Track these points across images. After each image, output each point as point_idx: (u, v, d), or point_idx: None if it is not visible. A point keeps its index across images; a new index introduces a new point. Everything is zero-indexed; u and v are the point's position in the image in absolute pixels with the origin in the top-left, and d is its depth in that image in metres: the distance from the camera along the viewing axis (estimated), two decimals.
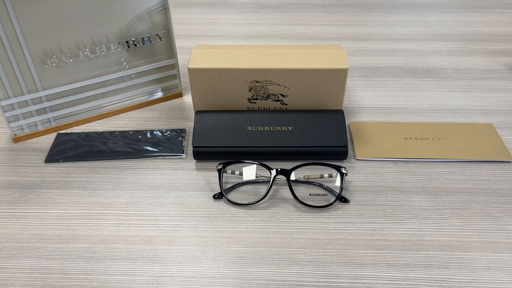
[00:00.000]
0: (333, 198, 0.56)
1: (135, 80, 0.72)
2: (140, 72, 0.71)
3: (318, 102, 0.66)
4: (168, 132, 0.68)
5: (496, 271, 0.48)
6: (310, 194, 0.57)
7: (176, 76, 0.75)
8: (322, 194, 0.57)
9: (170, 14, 0.68)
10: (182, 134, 0.67)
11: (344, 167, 0.57)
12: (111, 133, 0.68)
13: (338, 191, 0.56)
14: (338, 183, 0.56)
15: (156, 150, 0.64)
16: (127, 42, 0.68)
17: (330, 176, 0.58)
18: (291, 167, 0.57)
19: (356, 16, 1.03)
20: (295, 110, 0.65)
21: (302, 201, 0.55)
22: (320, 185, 0.59)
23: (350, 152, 0.64)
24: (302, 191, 0.58)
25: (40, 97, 0.65)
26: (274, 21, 1.02)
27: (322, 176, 0.59)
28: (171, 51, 0.72)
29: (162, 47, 0.71)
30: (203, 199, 0.57)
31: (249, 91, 0.66)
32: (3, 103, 0.63)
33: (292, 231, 0.53)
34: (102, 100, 0.71)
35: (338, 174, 0.56)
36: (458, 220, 0.54)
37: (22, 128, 0.67)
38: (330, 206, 0.55)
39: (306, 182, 0.59)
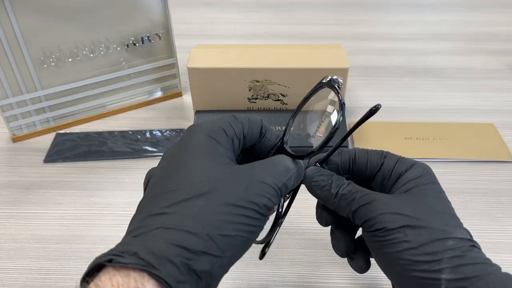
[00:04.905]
0: None
1: (134, 79, 0.71)
2: (140, 71, 0.71)
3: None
4: (168, 132, 0.67)
5: None
6: None
7: (175, 76, 0.75)
8: None
9: (170, 13, 0.68)
10: (182, 134, 0.67)
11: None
12: (110, 133, 0.67)
13: None
14: None
15: (155, 150, 0.64)
16: (126, 41, 0.67)
17: None
18: None
19: (357, 16, 1.03)
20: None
21: None
22: None
23: None
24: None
25: (39, 96, 0.65)
26: (274, 21, 1.02)
27: None
28: (170, 51, 0.71)
29: (161, 46, 0.70)
30: None
31: (249, 90, 0.65)
32: (2, 102, 0.63)
33: (293, 231, 0.53)
34: (101, 99, 0.70)
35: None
36: None
37: (21, 128, 0.66)
38: None
39: None
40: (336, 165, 0.36)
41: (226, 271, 0.29)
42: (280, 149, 0.35)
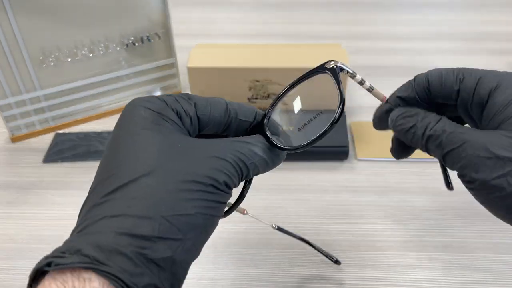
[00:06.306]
0: None
1: (134, 79, 0.71)
2: (139, 71, 0.71)
3: (319, 102, 0.66)
4: None
5: (498, 272, 0.47)
6: None
7: (175, 75, 0.74)
8: None
9: (170, 13, 0.68)
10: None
11: None
12: (110, 133, 0.67)
13: None
14: None
15: None
16: (126, 41, 0.67)
17: None
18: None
19: (357, 15, 1.03)
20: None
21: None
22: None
23: (351, 152, 0.63)
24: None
25: (38, 96, 0.65)
26: (274, 20, 1.01)
27: None
28: (170, 50, 0.71)
29: (161, 46, 0.70)
30: None
31: (249, 90, 0.65)
32: (1, 102, 0.62)
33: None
34: (100, 99, 0.70)
35: None
36: (460, 220, 0.53)
37: (20, 128, 0.66)
38: None
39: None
40: (413, 99, 0.30)
41: (194, 255, 0.26)
42: (256, 128, 0.31)
